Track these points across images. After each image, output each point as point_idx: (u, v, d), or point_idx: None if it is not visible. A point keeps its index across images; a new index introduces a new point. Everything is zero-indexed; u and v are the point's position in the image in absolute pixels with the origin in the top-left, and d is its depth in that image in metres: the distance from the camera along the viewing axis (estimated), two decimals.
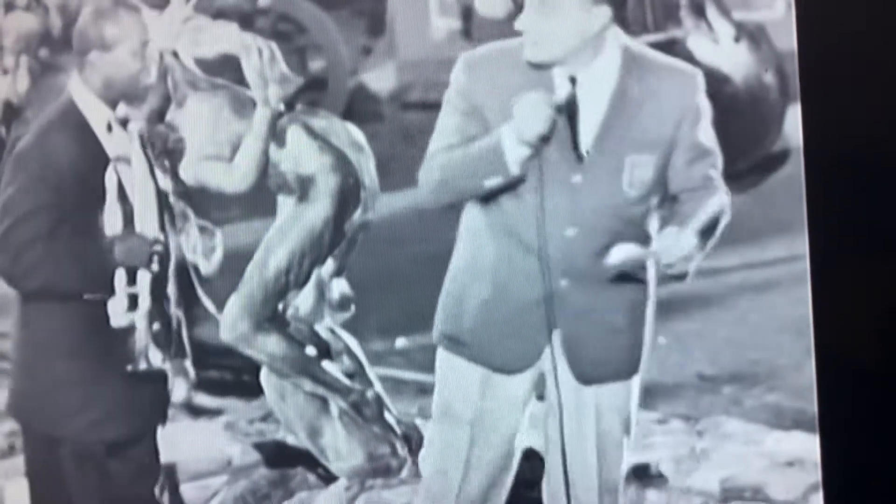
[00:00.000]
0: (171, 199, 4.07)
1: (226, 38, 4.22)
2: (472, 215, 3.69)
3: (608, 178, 3.57)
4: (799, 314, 3.87)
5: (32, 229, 3.78)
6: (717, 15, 4.30)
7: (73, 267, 3.81)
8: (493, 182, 3.55)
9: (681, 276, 3.60)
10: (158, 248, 3.94)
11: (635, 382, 3.75)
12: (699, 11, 4.31)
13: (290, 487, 4.27)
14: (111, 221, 3.87)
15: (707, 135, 3.63)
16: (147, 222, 3.95)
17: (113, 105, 3.92)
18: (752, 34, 4.26)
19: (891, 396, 3.85)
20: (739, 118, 4.22)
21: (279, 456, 4.31)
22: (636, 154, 3.57)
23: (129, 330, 3.91)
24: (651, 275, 3.69)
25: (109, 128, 3.89)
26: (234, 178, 4.13)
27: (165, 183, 4.06)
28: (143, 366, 3.91)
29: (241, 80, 4.17)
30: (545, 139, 3.50)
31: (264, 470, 4.31)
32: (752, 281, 4.12)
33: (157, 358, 3.94)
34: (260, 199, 4.15)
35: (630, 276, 3.63)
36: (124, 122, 3.92)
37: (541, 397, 3.74)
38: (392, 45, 4.41)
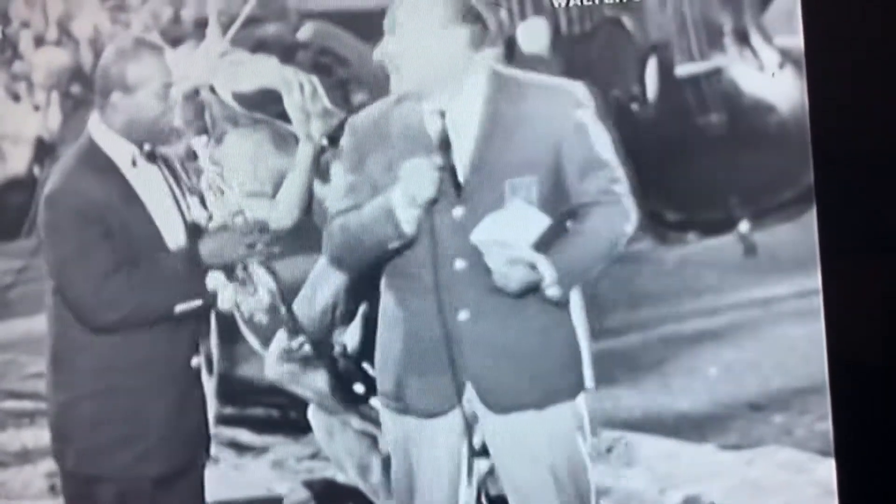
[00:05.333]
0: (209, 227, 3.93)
1: (266, 72, 4.17)
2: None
3: (489, 206, 3.51)
4: None
5: (96, 268, 3.64)
6: (762, 42, 4.28)
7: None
8: (394, 244, 3.53)
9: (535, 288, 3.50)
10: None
11: (580, 404, 3.63)
12: (743, 38, 4.29)
13: None
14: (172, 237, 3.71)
15: (600, 146, 3.54)
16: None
17: (137, 144, 3.81)
18: (796, 61, 4.24)
19: None
20: (786, 147, 4.20)
21: (329, 494, 4.27)
22: (515, 177, 3.51)
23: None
24: (575, 301, 3.59)
25: (134, 163, 3.79)
26: (278, 214, 4.08)
27: (197, 214, 3.95)
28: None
29: (281, 115, 4.13)
30: (435, 201, 3.48)
31: None
32: (803, 309, 4.10)
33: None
34: (305, 234, 4.11)
35: (532, 300, 3.53)
36: (150, 156, 3.81)
37: (482, 453, 3.69)
38: None
